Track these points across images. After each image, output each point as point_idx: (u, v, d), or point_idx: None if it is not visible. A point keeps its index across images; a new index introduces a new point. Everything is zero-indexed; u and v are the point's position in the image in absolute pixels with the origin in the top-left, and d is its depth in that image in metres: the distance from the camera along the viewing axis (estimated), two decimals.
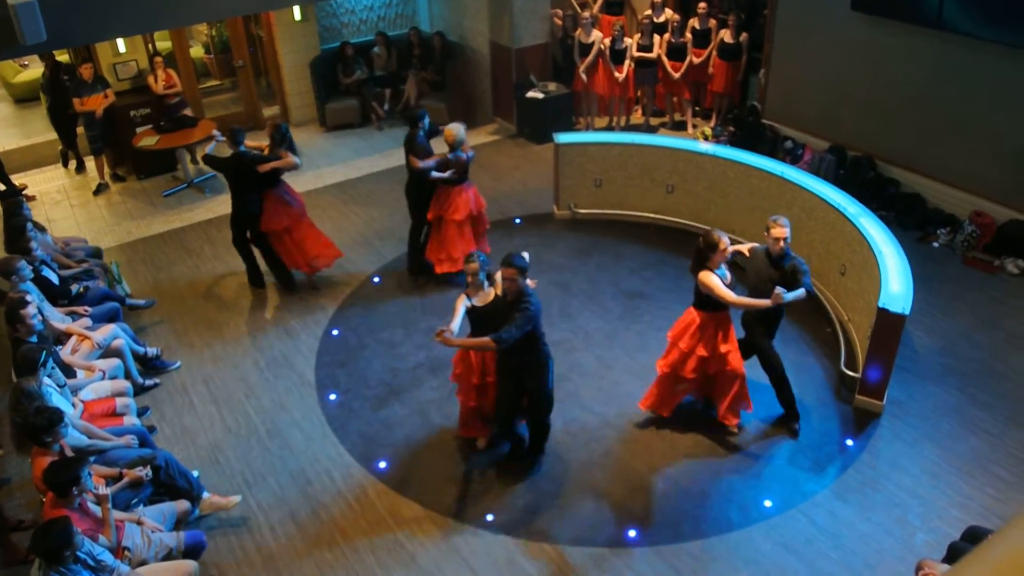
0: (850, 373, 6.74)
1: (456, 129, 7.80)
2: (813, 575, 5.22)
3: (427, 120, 8.04)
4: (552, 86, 11.60)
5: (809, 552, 5.37)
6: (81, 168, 11.49)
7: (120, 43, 11.13)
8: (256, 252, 8.35)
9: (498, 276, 5.69)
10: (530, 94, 11.47)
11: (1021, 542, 1.21)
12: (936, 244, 8.72)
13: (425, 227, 8.35)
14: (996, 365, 6.97)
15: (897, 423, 6.40)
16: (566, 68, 11.87)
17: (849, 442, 6.25)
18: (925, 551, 5.24)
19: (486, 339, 5.30)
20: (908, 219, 9.05)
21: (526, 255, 5.56)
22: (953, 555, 4.75)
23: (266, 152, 7.90)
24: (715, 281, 5.64)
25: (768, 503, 5.76)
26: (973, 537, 4.81)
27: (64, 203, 10.63)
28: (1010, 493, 5.74)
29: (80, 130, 10.98)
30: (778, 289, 5.52)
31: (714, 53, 11.23)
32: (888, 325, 6.10)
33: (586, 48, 11.25)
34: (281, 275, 8.40)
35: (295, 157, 7.93)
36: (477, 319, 5.76)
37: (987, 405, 6.54)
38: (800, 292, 5.60)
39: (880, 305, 6.09)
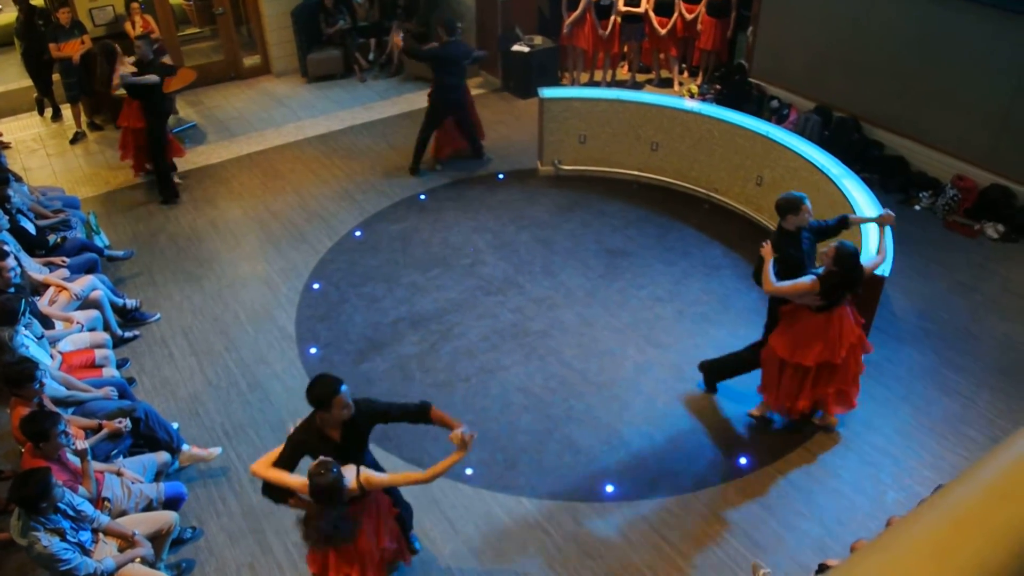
0: None
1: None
2: (786, 531, 5.32)
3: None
4: (538, 40, 11.45)
5: (782, 509, 5.47)
6: (57, 116, 11.27)
7: None
8: None
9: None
10: (515, 48, 11.33)
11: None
12: (918, 207, 8.76)
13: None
14: (972, 328, 7.05)
15: (872, 384, 6.48)
16: (552, 21, 11.72)
17: None
18: (896, 509, 5.35)
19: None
20: (891, 181, 9.07)
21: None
22: None
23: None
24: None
25: (743, 460, 5.85)
26: None
27: (40, 152, 10.46)
28: (981, 454, 5.78)
29: (56, 77, 10.76)
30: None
31: (703, 9, 11.12)
32: (867, 287, 6.13)
33: (573, 2, 11.09)
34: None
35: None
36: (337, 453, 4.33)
37: (961, 368, 6.63)
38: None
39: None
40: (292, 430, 4.42)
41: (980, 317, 7.17)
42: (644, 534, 5.32)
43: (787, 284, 5.33)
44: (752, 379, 6.17)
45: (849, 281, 5.29)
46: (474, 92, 11.74)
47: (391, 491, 4.69)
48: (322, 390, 4.19)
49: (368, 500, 4.32)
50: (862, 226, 6.53)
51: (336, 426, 4.33)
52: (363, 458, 4.50)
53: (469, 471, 5.80)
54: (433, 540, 5.31)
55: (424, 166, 9.65)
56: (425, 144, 9.58)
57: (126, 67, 8.73)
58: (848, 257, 5.19)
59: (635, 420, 6.22)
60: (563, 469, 5.82)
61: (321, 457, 4.10)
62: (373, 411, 4.43)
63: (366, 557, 4.34)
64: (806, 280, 5.30)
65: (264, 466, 4.25)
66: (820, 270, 5.35)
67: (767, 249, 5.51)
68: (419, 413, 4.47)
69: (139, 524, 4.85)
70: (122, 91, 8.77)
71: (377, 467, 4.59)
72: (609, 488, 5.65)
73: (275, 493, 4.32)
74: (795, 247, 5.58)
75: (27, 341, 5.59)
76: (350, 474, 4.15)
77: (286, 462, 4.27)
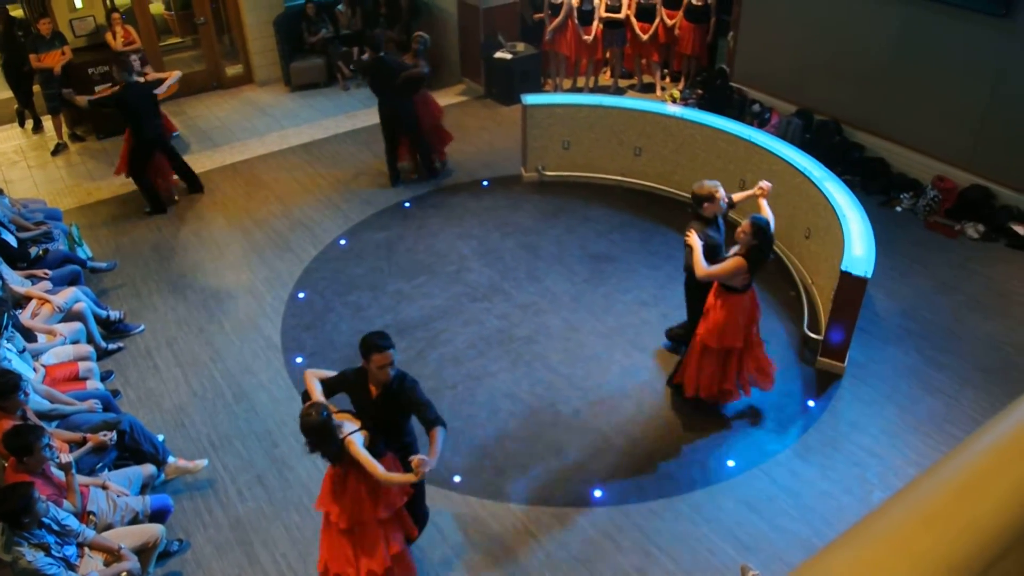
0: (813, 335, 6.84)
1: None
2: (774, 532, 5.34)
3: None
4: (520, 47, 11.49)
5: (770, 510, 5.49)
6: (38, 127, 11.20)
7: None
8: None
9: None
10: (498, 55, 11.35)
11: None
12: (899, 208, 8.82)
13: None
14: (955, 328, 7.11)
15: (858, 384, 6.52)
16: (535, 28, 11.76)
17: (811, 403, 6.37)
18: None
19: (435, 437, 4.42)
20: (872, 183, 9.14)
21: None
22: None
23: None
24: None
25: (731, 462, 5.87)
26: None
27: (21, 163, 10.39)
28: None
29: (36, 88, 10.69)
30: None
31: (681, 15, 11.17)
32: (850, 288, 6.19)
33: (556, 8, 11.13)
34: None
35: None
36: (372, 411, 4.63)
37: (945, 366, 6.68)
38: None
39: (843, 268, 6.17)
40: (347, 371, 4.71)
41: (962, 316, 7.23)
42: (633, 538, 5.33)
43: (717, 267, 5.60)
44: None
45: (768, 250, 5.62)
46: (457, 99, 11.81)
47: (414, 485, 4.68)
48: (371, 341, 4.43)
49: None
50: (843, 224, 6.57)
51: (377, 384, 4.54)
52: (397, 429, 4.71)
53: (457, 478, 5.79)
54: (421, 547, 5.29)
55: (403, 175, 9.65)
56: (391, 156, 9.52)
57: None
58: (764, 227, 5.52)
59: (622, 424, 6.22)
60: (551, 474, 5.82)
61: (312, 401, 4.35)
62: (411, 394, 4.55)
63: (367, 527, 4.46)
64: (732, 261, 5.58)
65: (313, 376, 4.59)
66: (735, 248, 5.64)
67: (693, 238, 5.72)
68: (433, 421, 4.48)
69: (125, 538, 4.82)
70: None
71: (413, 447, 4.76)
72: (597, 493, 5.66)
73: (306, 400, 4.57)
74: (716, 231, 5.92)
75: (9, 354, 5.55)
76: (350, 428, 4.32)
77: (328, 386, 4.60)
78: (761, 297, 7.39)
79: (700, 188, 5.89)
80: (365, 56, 9.31)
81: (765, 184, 6.16)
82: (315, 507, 4.73)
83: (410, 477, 4.24)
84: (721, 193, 5.86)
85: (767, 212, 5.94)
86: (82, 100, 8.56)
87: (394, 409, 4.61)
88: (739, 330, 5.81)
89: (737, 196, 6.24)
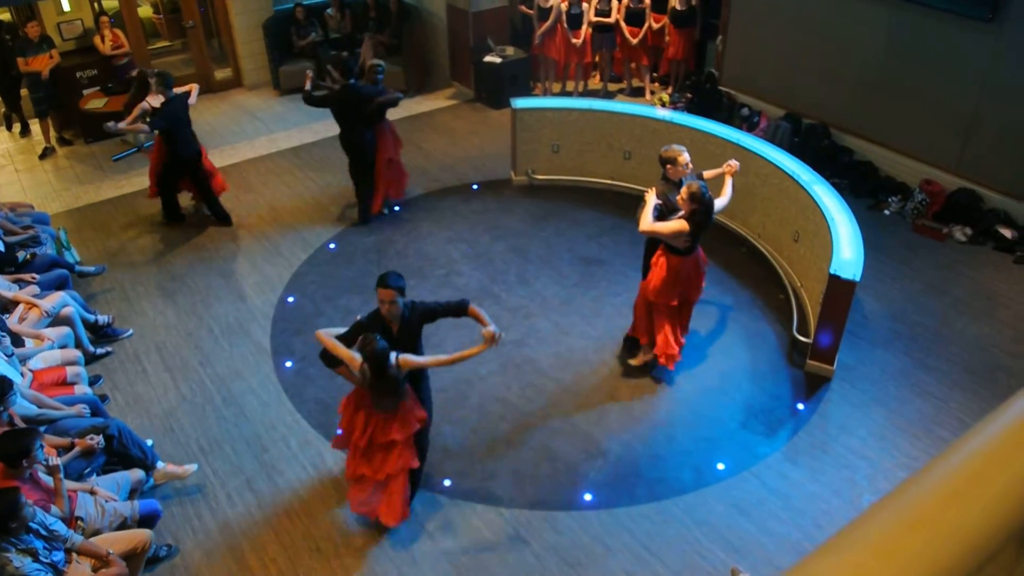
0: (802, 339, 6.86)
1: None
2: (764, 535, 5.35)
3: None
4: (510, 50, 11.50)
5: (760, 513, 5.50)
6: (26, 131, 11.15)
7: (64, 1, 10.77)
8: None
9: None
10: (488, 58, 11.36)
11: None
12: (887, 212, 8.87)
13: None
14: (943, 330, 7.14)
15: (847, 387, 6.55)
16: (524, 31, 11.77)
17: (800, 406, 6.39)
18: None
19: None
20: (860, 187, 9.18)
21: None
22: None
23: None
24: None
25: (721, 466, 5.88)
26: None
27: (8, 167, 10.34)
28: None
29: (24, 92, 10.64)
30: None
31: (667, 20, 11.20)
32: (839, 291, 6.21)
33: (544, 12, 11.15)
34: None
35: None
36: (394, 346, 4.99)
37: (933, 369, 6.71)
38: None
39: (832, 272, 6.19)
40: (360, 318, 5.23)
41: (950, 319, 7.27)
42: (623, 542, 5.33)
43: (660, 225, 5.94)
44: (731, 388, 6.21)
45: (708, 214, 5.91)
46: (446, 103, 11.81)
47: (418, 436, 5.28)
48: (381, 279, 4.96)
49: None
50: (832, 227, 6.60)
51: (394, 320, 5.02)
52: (415, 350, 5.14)
53: (447, 482, 5.78)
54: (411, 552, 5.29)
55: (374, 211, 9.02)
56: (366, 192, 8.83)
57: (154, 100, 8.14)
58: (699, 193, 5.81)
59: (612, 428, 6.23)
60: (541, 478, 5.82)
61: (364, 335, 4.75)
62: (424, 310, 5.13)
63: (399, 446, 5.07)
64: (676, 222, 5.91)
65: (327, 333, 4.94)
66: (681, 212, 5.97)
67: (650, 194, 6.09)
68: (459, 308, 5.11)
69: (113, 543, 4.79)
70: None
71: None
72: (588, 497, 5.66)
73: (329, 359, 5.00)
74: (676, 194, 6.13)
75: None
76: (392, 356, 4.80)
77: (346, 338, 4.93)
78: (750, 299, 7.47)
79: (666, 151, 6.29)
80: (310, 85, 8.40)
81: (733, 163, 6.51)
82: (339, 426, 5.31)
83: (482, 347, 4.89)
84: (685, 159, 6.21)
85: (728, 190, 6.35)
86: (129, 128, 8.17)
87: (413, 333, 5.14)
88: (672, 290, 6.17)
89: (707, 174, 6.58)
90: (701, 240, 6.11)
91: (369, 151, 8.48)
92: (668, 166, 6.27)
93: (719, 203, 6.13)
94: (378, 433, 5.02)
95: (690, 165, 6.28)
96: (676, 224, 5.89)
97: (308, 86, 8.35)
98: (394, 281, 4.93)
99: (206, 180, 8.65)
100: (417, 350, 5.17)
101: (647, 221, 5.93)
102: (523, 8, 11.68)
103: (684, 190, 5.88)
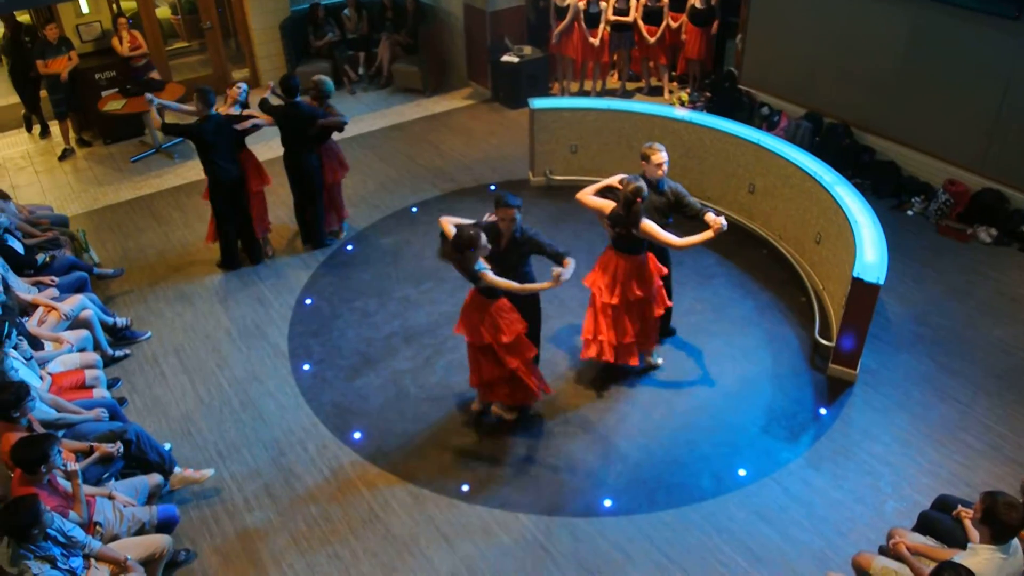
0: (824, 342, 6.77)
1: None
2: (786, 543, 5.27)
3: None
4: (527, 50, 11.44)
5: (782, 520, 5.43)
6: (45, 133, 11.21)
7: (83, 3, 10.80)
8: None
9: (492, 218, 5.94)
10: (505, 58, 11.31)
11: None
12: (910, 212, 8.75)
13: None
14: (967, 333, 7.03)
15: (869, 391, 6.45)
16: (541, 30, 11.71)
17: (822, 411, 6.30)
18: (896, 519, 5.31)
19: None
20: (883, 187, 9.06)
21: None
22: (923, 523, 4.81)
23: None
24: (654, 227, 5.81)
25: (742, 472, 5.81)
26: (943, 506, 4.87)
27: (28, 169, 10.38)
28: (979, 460, 5.82)
29: (43, 93, 10.69)
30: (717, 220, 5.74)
31: (686, 18, 11.10)
32: (862, 295, 6.12)
33: (562, 11, 11.08)
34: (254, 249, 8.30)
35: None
36: (499, 259, 5.78)
37: (957, 373, 6.61)
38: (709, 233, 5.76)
39: (855, 275, 6.10)
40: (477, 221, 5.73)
41: (975, 322, 7.16)
42: (644, 549, 5.27)
43: (591, 198, 6.08)
44: (739, 388, 6.14)
45: (626, 219, 5.79)
46: (463, 103, 11.78)
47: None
48: (498, 197, 5.68)
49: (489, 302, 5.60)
50: (854, 229, 6.51)
51: (505, 235, 5.72)
52: (517, 274, 5.71)
53: (465, 487, 5.74)
54: (430, 558, 5.25)
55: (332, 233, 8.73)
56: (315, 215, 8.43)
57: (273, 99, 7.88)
58: (628, 198, 5.69)
59: (631, 433, 6.17)
60: (560, 484, 5.77)
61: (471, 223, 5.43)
62: (533, 239, 5.75)
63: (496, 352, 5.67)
64: (601, 200, 6.03)
65: (448, 219, 5.61)
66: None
67: (615, 180, 6.05)
68: (559, 256, 5.60)
69: (131, 549, 4.78)
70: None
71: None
72: (607, 503, 5.60)
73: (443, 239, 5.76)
74: (654, 192, 6.12)
75: (16, 363, 5.51)
76: (483, 266, 5.39)
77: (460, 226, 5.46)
78: (771, 302, 7.39)
79: (645, 148, 6.19)
80: (269, 95, 8.01)
81: (722, 223, 5.71)
82: (455, 331, 5.91)
83: (548, 284, 5.27)
84: (660, 158, 6.07)
85: (695, 238, 5.71)
86: (157, 122, 7.67)
87: (518, 256, 5.79)
88: (605, 283, 6.14)
89: (697, 238, 5.80)
90: (671, 254, 6.30)
91: (315, 176, 8.03)
92: (642, 161, 6.18)
93: (665, 234, 5.70)
94: (490, 334, 5.63)
95: (664, 167, 6.10)
96: (600, 202, 5.97)
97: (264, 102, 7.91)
98: (512, 200, 5.61)
99: (246, 210, 8.03)
100: (518, 273, 5.75)
101: (584, 191, 6.11)
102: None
103: (626, 181, 5.79)
